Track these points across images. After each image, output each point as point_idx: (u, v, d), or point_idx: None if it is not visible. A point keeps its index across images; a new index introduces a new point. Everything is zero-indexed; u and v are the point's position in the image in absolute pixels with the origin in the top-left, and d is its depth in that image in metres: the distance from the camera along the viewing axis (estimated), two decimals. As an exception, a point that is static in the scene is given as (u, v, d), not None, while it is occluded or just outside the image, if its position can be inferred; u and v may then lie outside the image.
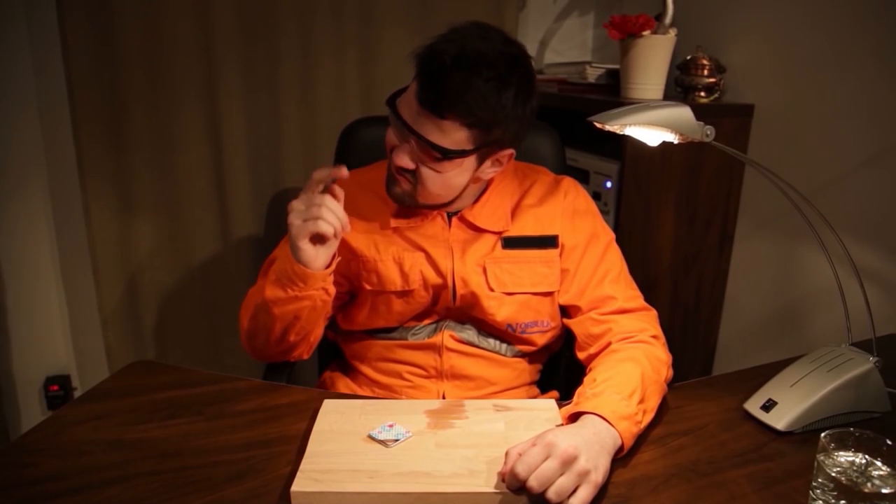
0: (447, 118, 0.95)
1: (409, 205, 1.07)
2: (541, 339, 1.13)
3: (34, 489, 0.77)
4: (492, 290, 1.08)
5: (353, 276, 1.11)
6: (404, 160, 1.00)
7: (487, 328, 1.12)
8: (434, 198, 1.05)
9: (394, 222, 1.10)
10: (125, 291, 1.81)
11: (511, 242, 1.09)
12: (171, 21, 1.65)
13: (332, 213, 0.92)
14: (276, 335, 1.04)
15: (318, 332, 1.08)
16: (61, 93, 1.66)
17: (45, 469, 0.81)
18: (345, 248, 1.10)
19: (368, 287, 1.10)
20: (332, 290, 1.01)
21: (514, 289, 1.09)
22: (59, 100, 1.67)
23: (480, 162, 1.03)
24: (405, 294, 1.09)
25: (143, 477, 0.79)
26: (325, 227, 0.92)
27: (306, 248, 0.94)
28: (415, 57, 0.98)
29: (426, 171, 1.00)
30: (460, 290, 1.08)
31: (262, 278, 1.13)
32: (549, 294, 1.11)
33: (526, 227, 1.10)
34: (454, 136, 0.96)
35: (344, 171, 0.93)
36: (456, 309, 1.10)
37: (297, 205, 0.94)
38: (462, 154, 0.98)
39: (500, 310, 1.09)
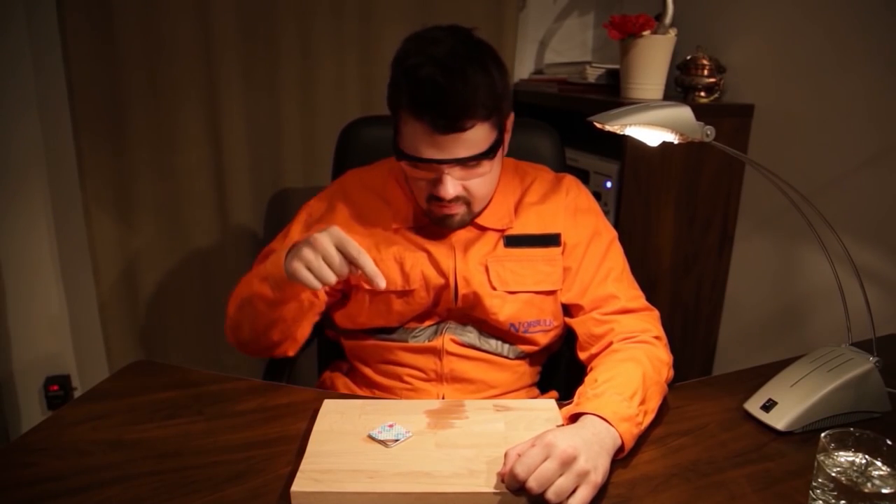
0: (470, 128, 0.96)
1: (466, 224, 1.08)
2: (543, 339, 1.13)
3: (34, 489, 0.77)
4: (494, 288, 1.08)
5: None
6: (455, 189, 1.00)
7: (489, 329, 1.11)
8: (485, 200, 1.07)
9: (395, 223, 1.10)
10: (125, 291, 1.81)
11: (513, 241, 1.09)
12: (171, 21, 1.65)
13: (335, 279, 0.89)
14: (259, 330, 1.04)
15: (304, 332, 1.08)
16: (61, 93, 1.66)
17: (45, 469, 0.81)
18: None
19: (367, 287, 1.09)
20: (323, 294, 1.01)
21: (516, 287, 1.09)
22: (60, 100, 1.67)
23: (503, 138, 1.04)
24: (405, 294, 1.09)
25: (143, 477, 0.79)
26: (319, 287, 0.90)
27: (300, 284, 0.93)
28: (397, 96, 0.97)
29: (476, 182, 1.02)
30: (462, 290, 1.08)
31: (257, 267, 1.13)
32: (551, 293, 1.11)
33: (528, 225, 1.10)
34: (482, 135, 0.98)
35: (383, 286, 0.90)
36: (458, 310, 1.10)
37: (318, 246, 0.88)
38: (498, 144, 1.00)
39: (503, 309, 1.09)
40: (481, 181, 1.02)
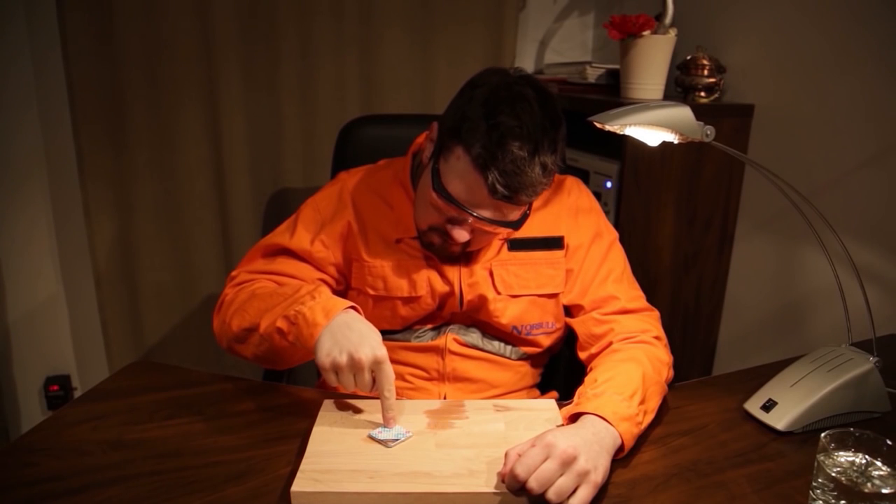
0: (524, 203, 0.98)
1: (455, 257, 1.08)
2: (546, 341, 1.13)
3: (34, 489, 0.77)
4: (498, 293, 1.08)
5: (351, 278, 1.11)
6: (466, 236, 1.00)
7: (492, 331, 1.11)
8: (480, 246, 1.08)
9: (400, 229, 1.09)
10: (125, 291, 1.81)
11: (517, 244, 1.09)
12: (171, 21, 1.65)
13: (353, 390, 0.89)
14: (264, 359, 1.02)
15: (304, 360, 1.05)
16: (61, 93, 1.67)
17: (45, 469, 0.80)
18: (352, 250, 1.10)
19: (372, 292, 1.09)
20: None
21: (519, 291, 1.09)
22: (59, 100, 1.68)
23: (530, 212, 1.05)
24: (411, 300, 1.08)
25: (143, 477, 0.79)
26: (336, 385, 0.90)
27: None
28: (465, 134, 0.93)
29: (484, 237, 1.03)
30: (467, 297, 1.08)
31: (259, 260, 1.11)
32: (554, 295, 1.11)
33: (531, 228, 1.10)
34: (522, 209, 0.99)
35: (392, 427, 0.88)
36: (462, 313, 1.10)
37: (355, 364, 0.85)
38: (525, 217, 1.01)
39: (506, 312, 1.09)
40: (489, 237, 1.04)
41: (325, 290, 0.95)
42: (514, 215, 0.99)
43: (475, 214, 0.96)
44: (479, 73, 1.01)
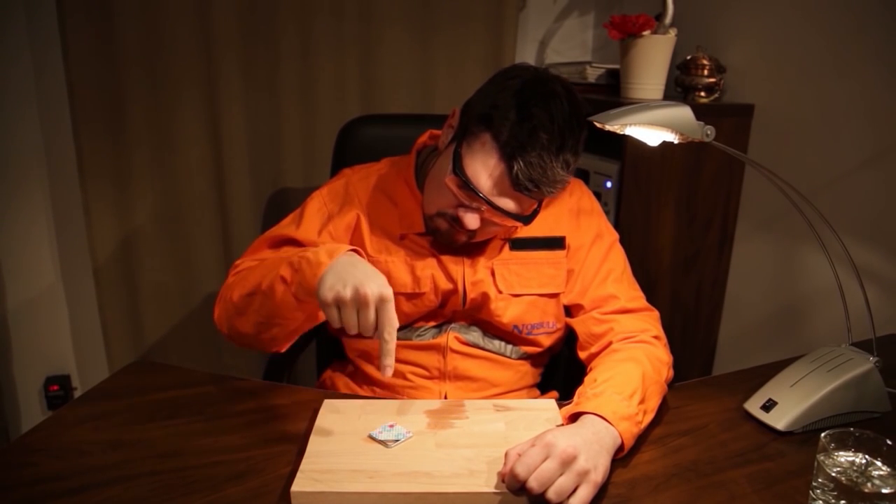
0: (541, 197, 0.99)
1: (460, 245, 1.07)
2: (547, 341, 1.14)
3: (34, 489, 0.77)
4: (500, 291, 1.08)
5: None
6: (477, 223, 1.00)
7: (493, 330, 1.11)
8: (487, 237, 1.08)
9: (404, 226, 1.09)
10: (125, 291, 1.81)
11: (518, 244, 1.10)
12: (171, 21, 1.65)
13: (356, 332, 0.84)
14: (265, 328, 0.99)
15: (302, 330, 1.03)
16: (61, 93, 1.66)
17: (45, 469, 0.80)
18: (356, 244, 1.09)
19: None
20: None
21: (521, 290, 1.09)
22: (59, 100, 1.67)
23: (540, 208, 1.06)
24: (415, 296, 1.08)
25: (143, 477, 0.79)
26: (338, 326, 0.85)
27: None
28: (494, 122, 0.94)
29: (493, 228, 1.03)
30: (471, 294, 1.08)
31: (266, 250, 1.10)
32: (555, 295, 1.11)
33: (533, 228, 1.09)
34: (536, 202, 1.00)
35: (388, 375, 0.84)
36: (463, 312, 1.10)
37: (360, 298, 0.81)
38: (535, 213, 1.01)
39: (507, 311, 1.09)
40: (498, 229, 1.04)
41: (329, 241, 0.94)
42: (527, 210, 1.00)
43: (491, 203, 0.96)
44: (510, 66, 1.03)
